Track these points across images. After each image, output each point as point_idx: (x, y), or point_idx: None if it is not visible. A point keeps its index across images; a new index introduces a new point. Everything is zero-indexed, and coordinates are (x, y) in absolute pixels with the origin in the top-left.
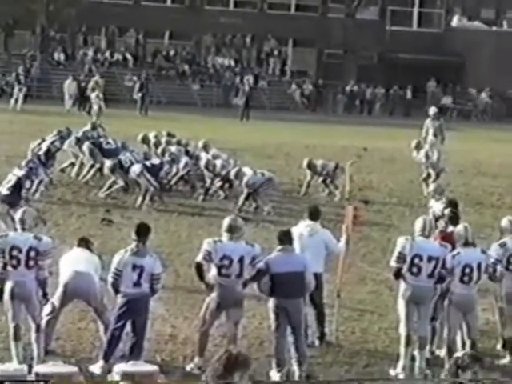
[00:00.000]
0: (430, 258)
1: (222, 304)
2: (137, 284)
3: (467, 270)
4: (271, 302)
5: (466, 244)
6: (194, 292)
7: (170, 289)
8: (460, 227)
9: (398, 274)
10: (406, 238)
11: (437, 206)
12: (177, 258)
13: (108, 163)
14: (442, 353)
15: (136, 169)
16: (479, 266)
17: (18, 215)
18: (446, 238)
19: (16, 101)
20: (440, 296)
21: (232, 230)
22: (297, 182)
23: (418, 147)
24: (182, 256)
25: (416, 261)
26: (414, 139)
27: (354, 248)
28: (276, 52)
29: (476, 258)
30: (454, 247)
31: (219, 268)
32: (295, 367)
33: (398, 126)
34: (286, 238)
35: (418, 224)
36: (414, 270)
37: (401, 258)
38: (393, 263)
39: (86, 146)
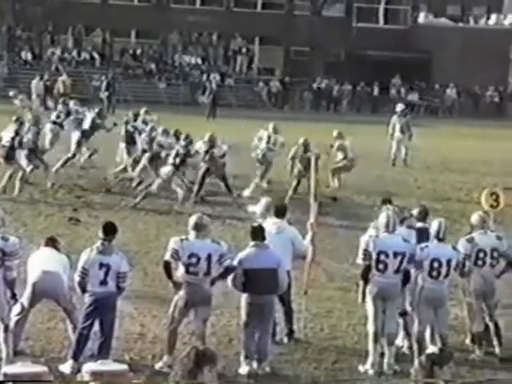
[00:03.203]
0: (395, 254)
1: (190, 302)
2: (103, 282)
3: (435, 265)
4: (244, 298)
5: (437, 239)
6: (162, 290)
7: (138, 287)
8: (435, 222)
9: (366, 271)
10: (370, 235)
11: None
12: (144, 256)
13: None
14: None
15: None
16: (449, 261)
17: None
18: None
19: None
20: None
21: (198, 227)
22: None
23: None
24: (149, 254)
25: (382, 257)
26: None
27: (322, 245)
28: (243, 50)
29: (446, 253)
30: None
31: (187, 266)
32: (254, 364)
33: (365, 122)
34: (258, 234)
35: (382, 220)
36: (381, 266)
37: (366, 255)
38: (359, 261)
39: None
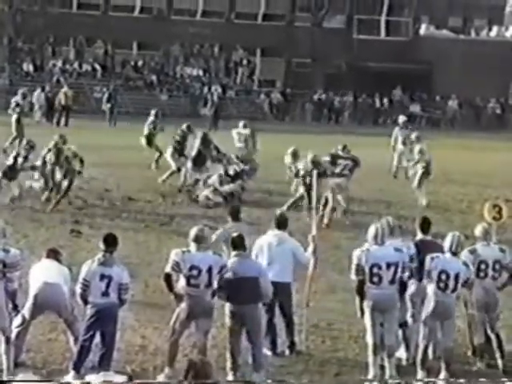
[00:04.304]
0: (388, 265)
1: (191, 314)
2: (105, 294)
3: (443, 277)
4: (226, 307)
5: (450, 252)
6: (163, 302)
7: (139, 299)
8: (449, 235)
9: (361, 286)
10: (362, 250)
11: None
12: (146, 268)
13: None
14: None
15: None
16: (457, 276)
17: None
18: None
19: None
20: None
21: (199, 239)
22: (265, 191)
23: (295, 156)
24: (150, 266)
25: (375, 270)
26: (290, 148)
27: (323, 257)
28: (244, 61)
29: (455, 267)
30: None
31: (188, 278)
32: (253, 375)
33: (367, 134)
34: (239, 244)
35: (371, 232)
36: (375, 279)
37: (359, 270)
38: (353, 276)
39: None
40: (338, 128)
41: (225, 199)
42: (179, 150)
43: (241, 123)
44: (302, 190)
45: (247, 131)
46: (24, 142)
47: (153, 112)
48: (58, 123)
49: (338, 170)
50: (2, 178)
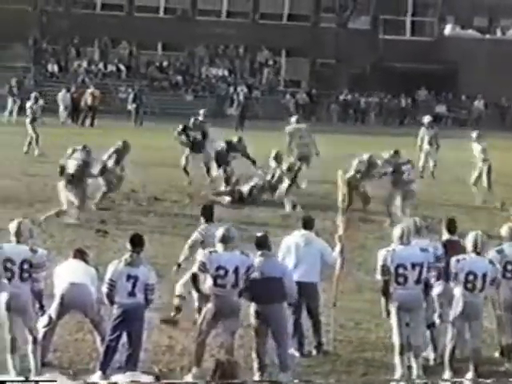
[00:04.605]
0: (413, 265)
1: (218, 314)
2: (131, 294)
3: (471, 278)
4: (251, 308)
5: (474, 252)
6: (191, 302)
7: (166, 300)
8: (471, 234)
9: (386, 287)
10: (387, 250)
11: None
12: (172, 268)
13: None
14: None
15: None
16: (484, 275)
17: (13, 227)
18: (452, 246)
19: (10, 113)
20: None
21: (226, 240)
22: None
23: (277, 158)
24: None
25: (400, 271)
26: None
27: (350, 257)
28: (270, 62)
29: (482, 267)
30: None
31: (214, 278)
32: (280, 375)
33: (393, 134)
34: (264, 243)
35: (396, 233)
36: (400, 279)
37: (385, 270)
38: (378, 276)
39: None
40: (364, 128)
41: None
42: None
43: (293, 118)
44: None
45: (303, 126)
46: (79, 148)
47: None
48: (83, 123)
49: (405, 177)
50: (67, 184)
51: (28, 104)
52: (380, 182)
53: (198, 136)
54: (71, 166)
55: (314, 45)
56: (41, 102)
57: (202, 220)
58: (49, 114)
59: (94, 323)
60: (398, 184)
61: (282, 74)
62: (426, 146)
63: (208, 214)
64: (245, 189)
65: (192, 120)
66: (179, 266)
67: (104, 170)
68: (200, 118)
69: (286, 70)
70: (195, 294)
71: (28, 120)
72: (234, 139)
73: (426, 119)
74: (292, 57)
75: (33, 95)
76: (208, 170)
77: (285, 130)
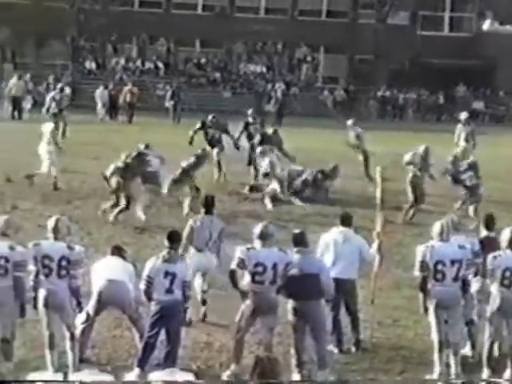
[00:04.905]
0: (452, 262)
1: (256, 311)
2: (169, 291)
3: (507, 274)
4: (289, 304)
5: (510, 248)
6: (229, 299)
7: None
8: (506, 230)
9: (424, 282)
10: (426, 246)
11: None
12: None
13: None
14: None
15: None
16: None
17: (50, 224)
18: (490, 242)
19: (48, 110)
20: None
21: (264, 236)
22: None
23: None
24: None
25: (439, 267)
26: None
27: (388, 253)
28: (308, 58)
29: None
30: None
31: (253, 275)
32: (318, 372)
33: (431, 131)
34: (301, 240)
35: (436, 229)
36: (439, 276)
37: (423, 266)
38: (416, 273)
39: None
40: (403, 125)
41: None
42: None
43: (462, 115)
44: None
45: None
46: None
47: (249, 112)
48: (118, 119)
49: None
50: (172, 185)
51: (50, 94)
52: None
53: (216, 135)
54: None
55: (352, 41)
56: (67, 91)
57: (202, 210)
58: (86, 111)
59: (132, 320)
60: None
61: (321, 70)
62: (462, 143)
63: (209, 205)
64: (297, 182)
65: (210, 117)
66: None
67: (185, 177)
68: (250, 119)
69: (324, 67)
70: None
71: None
72: (269, 131)
73: (463, 116)
74: (330, 53)
75: (59, 85)
76: (219, 165)
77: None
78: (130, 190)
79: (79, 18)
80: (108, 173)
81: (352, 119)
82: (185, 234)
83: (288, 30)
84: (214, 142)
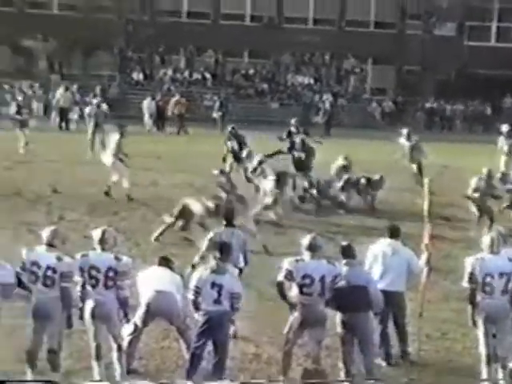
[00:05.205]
0: (501, 275)
1: (304, 323)
2: (217, 302)
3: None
4: (337, 317)
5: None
6: (277, 311)
7: (252, 308)
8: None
9: (473, 295)
10: (476, 258)
11: None
12: (259, 276)
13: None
14: None
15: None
16: None
17: (97, 235)
18: None
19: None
20: None
21: (312, 248)
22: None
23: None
24: (263, 275)
25: (488, 280)
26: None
27: (436, 266)
28: (356, 70)
29: None
30: None
31: (301, 287)
32: None
33: (478, 142)
34: (349, 252)
35: (486, 241)
36: (487, 289)
37: (472, 278)
38: (465, 284)
39: None
40: (451, 136)
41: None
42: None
43: (504, 127)
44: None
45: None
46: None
47: (292, 122)
48: (167, 131)
49: None
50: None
51: (87, 110)
52: None
53: (234, 146)
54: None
55: (399, 52)
56: (104, 106)
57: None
58: (134, 121)
59: (179, 331)
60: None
61: (368, 81)
62: (503, 157)
63: (230, 217)
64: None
65: (229, 129)
66: (193, 266)
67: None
68: (292, 129)
69: (372, 78)
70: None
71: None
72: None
73: (505, 128)
74: (378, 64)
75: (94, 101)
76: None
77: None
78: None
79: (127, 29)
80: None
81: (407, 129)
82: (204, 246)
83: (336, 40)
84: (235, 154)
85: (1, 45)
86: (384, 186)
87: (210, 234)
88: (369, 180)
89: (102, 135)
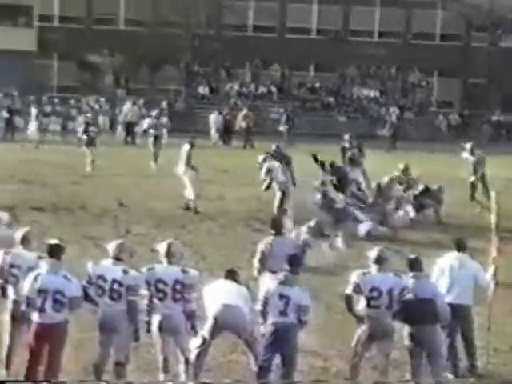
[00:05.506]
0: None
1: (372, 336)
2: (283, 313)
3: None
4: (405, 329)
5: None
6: (345, 324)
7: (320, 321)
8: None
9: None
10: None
11: None
12: (326, 289)
13: None
14: None
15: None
16: None
17: (163, 248)
18: None
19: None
20: None
21: (380, 261)
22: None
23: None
24: (331, 288)
25: None
26: None
27: (503, 279)
28: (422, 83)
29: None
30: None
31: (368, 300)
32: None
33: None
34: (416, 265)
35: None
36: None
37: None
38: None
39: None
40: None
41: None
42: None
43: (468, 145)
44: None
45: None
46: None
47: (346, 137)
48: (233, 145)
49: None
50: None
51: (146, 121)
52: None
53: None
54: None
55: (465, 64)
56: (164, 119)
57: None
58: (200, 135)
59: (247, 344)
60: None
61: (434, 94)
62: None
63: (278, 227)
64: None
65: (274, 147)
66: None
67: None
68: (346, 144)
69: (437, 91)
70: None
71: (151, 139)
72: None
73: None
74: (444, 77)
75: (153, 113)
76: (282, 199)
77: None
78: None
79: (193, 44)
80: None
81: (471, 143)
82: (256, 258)
83: (401, 53)
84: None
85: (67, 60)
86: (443, 196)
87: (261, 246)
88: (427, 188)
89: (160, 148)
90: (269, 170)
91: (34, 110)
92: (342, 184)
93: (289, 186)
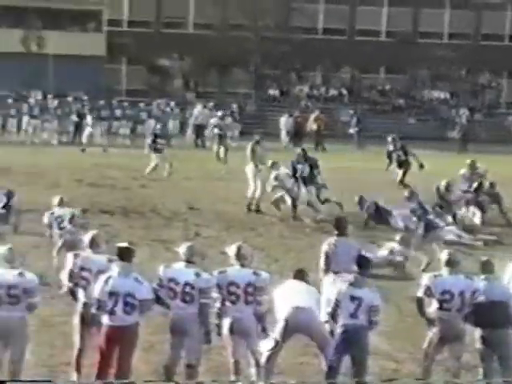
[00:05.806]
0: None
1: (443, 338)
2: (353, 315)
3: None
4: (476, 332)
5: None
6: (416, 327)
7: (392, 324)
8: None
9: None
10: None
11: None
12: (398, 292)
13: None
14: None
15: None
16: None
17: (232, 251)
18: None
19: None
20: None
21: (451, 264)
22: None
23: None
24: (403, 290)
25: None
26: None
27: None
28: (493, 84)
29: None
30: None
31: (440, 302)
32: None
33: None
34: (488, 267)
35: None
36: None
37: None
38: None
39: None
40: None
41: None
42: None
43: None
44: None
45: None
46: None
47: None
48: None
49: None
50: None
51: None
52: None
53: (305, 169)
54: None
55: None
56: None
57: (336, 232)
58: (270, 138)
59: (320, 346)
60: None
61: (503, 95)
62: None
63: (342, 227)
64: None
65: (299, 151)
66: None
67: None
68: (390, 147)
69: (507, 92)
70: None
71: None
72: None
73: None
74: None
75: (219, 113)
76: (294, 205)
77: None
78: None
79: (262, 46)
80: None
81: None
82: (321, 260)
83: (471, 55)
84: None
85: (137, 64)
86: (497, 191)
87: (324, 247)
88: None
89: (226, 148)
90: (276, 177)
91: (89, 117)
92: None
93: (297, 191)
